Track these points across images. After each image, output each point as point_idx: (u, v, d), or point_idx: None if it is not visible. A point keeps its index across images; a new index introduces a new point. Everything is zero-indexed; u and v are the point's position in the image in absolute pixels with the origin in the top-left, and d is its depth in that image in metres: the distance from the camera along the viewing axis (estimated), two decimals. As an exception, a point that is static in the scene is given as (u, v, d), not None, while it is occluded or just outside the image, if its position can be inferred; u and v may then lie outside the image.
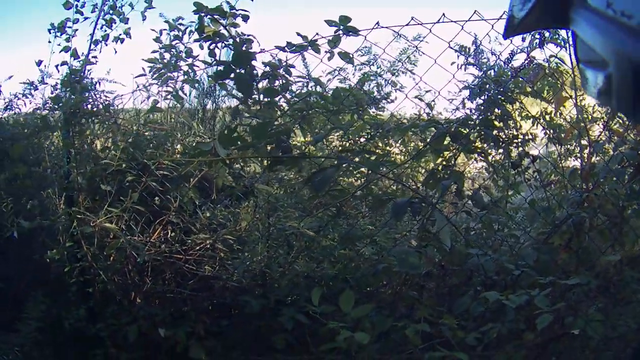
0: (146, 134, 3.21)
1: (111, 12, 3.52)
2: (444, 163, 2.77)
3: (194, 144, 3.14)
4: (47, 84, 3.98)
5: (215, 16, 2.48)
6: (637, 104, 0.49)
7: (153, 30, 3.19)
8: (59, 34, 3.64)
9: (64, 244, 3.25)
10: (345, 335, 2.35)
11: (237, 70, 2.42)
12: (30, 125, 4.48)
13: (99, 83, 3.46)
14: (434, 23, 2.66)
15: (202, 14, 2.48)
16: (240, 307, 2.97)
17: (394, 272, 2.60)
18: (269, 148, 2.43)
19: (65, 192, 3.39)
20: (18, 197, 4.37)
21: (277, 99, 2.55)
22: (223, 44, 2.50)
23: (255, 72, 2.44)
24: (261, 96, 2.47)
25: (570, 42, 3.23)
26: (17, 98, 4.53)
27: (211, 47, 2.53)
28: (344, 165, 2.55)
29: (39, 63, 3.87)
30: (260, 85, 2.49)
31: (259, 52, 2.46)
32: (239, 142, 2.33)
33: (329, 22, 2.49)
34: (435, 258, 2.77)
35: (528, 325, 2.71)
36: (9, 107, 4.67)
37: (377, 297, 2.84)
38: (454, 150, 2.79)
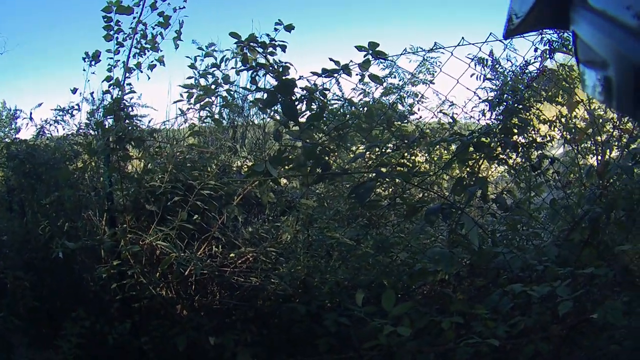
0: (188, 156, 3.44)
1: (143, 41, 3.74)
2: (469, 170, 2.99)
3: (235, 164, 3.38)
4: (80, 110, 4.23)
5: (256, 47, 2.70)
6: (637, 104, 0.50)
7: (188, 57, 3.44)
8: (93, 62, 3.90)
9: (111, 263, 3.46)
10: (388, 330, 2.56)
11: (280, 97, 2.63)
12: (63, 150, 4.71)
13: (133, 108, 3.70)
14: (455, 47, 2.92)
15: (243, 45, 2.70)
16: (283, 315, 3.19)
17: (428, 273, 2.81)
18: (310, 167, 2.65)
19: (107, 213, 3.63)
20: (54, 219, 4.61)
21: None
22: (264, 72, 2.71)
23: (294, 96, 2.66)
24: (302, 118, 2.68)
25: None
26: (48, 124, 4.80)
27: (252, 75, 2.74)
28: (380, 178, 2.77)
29: (74, 91, 4.12)
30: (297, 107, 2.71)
31: (298, 79, 2.68)
32: (286, 163, 2.57)
33: (359, 48, 2.73)
34: (463, 259, 2.99)
35: (553, 318, 2.91)
36: (41, 133, 4.94)
37: (413, 297, 3.07)
38: (478, 158, 3.00)
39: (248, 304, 3.19)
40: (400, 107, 3.27)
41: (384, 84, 3.25)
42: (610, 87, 0.55)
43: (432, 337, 2.97)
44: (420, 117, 3.37)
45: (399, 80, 3.27)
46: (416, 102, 3.30)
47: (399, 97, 3.24)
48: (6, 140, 8.12)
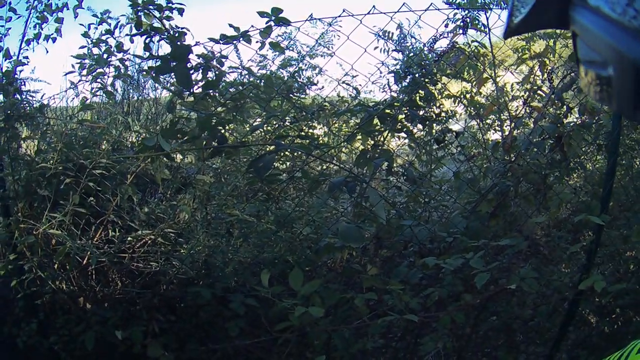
0: (80, 133, 3.22)
1: (44, 11, 3.49)
2: (373, 142, 2.93)
3: (128, 140, 3.20)
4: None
5: (152, 11, 2.54)
6: (638, 105, 0.50)
7: (82, 25, 3.22)
8: None
9: (7, 257, 3.21)
10: (300, 311, 2.45)
11: (174, 64, 2.49)
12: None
13: (25, 83, 3.42)
14: (365, 14, 2.83)
15: (138, 8, 2.54)
16: (187, 300, 3.03)
17: (335, 248, 2.72)
18: (205, 139, 2.53)
19: (0, 201, 3.35)
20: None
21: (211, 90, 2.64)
22: (159, 38, 2.56)
23: (190, 64, 2.52)
24: (197, 89, 2.55)
25: (489, 27, 3.48)
26: None
27: (146, 41, 2.58)
28: (280, 150, 2.67)
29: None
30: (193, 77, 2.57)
31: (194, 45, 2.54)
32: (179, 136, 2.42)
33: (261, 14, 2.61)
34: (369, 232, 2.92)
35: (466, 288, 2.90)
36: None
37: (320, 273, 2.97)
38: (382, 130, 2.95)
39: (151, 290, 3.01)
40: (299, 79, 3.16)
41: (283, 56, 3.13)
42: (610, 88, 0.54)
43: (345, 313, 2.90)
44: (322, 87, 3.27)
45: (297, 53, 3.15)
46: (315, 75, 3.20)
47: (298, 69, 3.13)
48: None
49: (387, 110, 2.95)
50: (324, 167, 3.09)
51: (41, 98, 3.30)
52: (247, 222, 2.80)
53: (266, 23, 2.65)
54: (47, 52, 3.52)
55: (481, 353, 3.43)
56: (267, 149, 2.70)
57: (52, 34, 3.51)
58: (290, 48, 3.05)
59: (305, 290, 2.58)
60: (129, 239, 2.89)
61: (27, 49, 3.48)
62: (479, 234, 3.03)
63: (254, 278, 2.79)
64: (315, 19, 3.04)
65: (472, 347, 3.34)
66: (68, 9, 3.51)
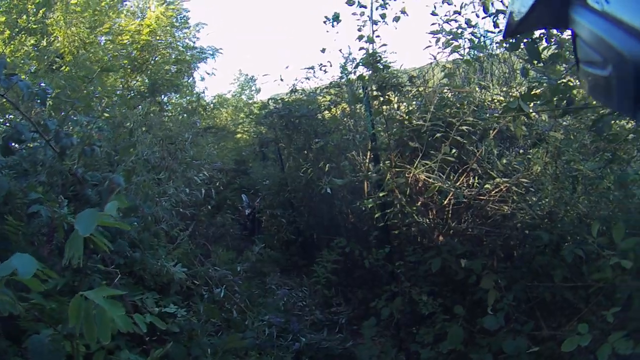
0: (447, 96, 4.14)
1: None
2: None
3: (487, 101, 4.02)
4: (332, 66, 5.22)
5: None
6: (637, 104, 0.52)
7: (427, 6, 4.15)
8: (335, 23, 4.81)
9: (377, 194, 4.34)
10: (614, 261, 2.96)
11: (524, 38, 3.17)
12: (317, 102, 5.78)
13: (384, 58, 4.51)
14: None
15: None
16: (527, 244, 3.70)
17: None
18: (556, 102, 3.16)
19: (371, 152, 4.51)
20: (315, 163, 5.71)
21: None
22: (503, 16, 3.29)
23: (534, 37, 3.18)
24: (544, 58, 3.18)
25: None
26: (299, 82, 5.95)
27: (494, 20, 3.33)
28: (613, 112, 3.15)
29: (323, 50, 5.13)
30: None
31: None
32: (535, 98, 3.10)
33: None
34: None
35: None
36: (293, 90, 6.11)
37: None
38: None
39: (498, 230, 3.78)
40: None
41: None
42: (610, 87, 0.57)
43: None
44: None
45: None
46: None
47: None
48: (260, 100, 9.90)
49: None
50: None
51: (400, 68, 4.37)
52: (590, 178, 3.33)
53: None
54: (396, 29, 4.59)
55: None
56: (606, 110, 3.18)
57: (397, 14, 4.54)
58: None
59: (624, 245, 3.04)
60: (487, 185, 3.72)
61: (375, 30, 4.60)
62: None
63: (586, 230, 3.31)
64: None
65: None
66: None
